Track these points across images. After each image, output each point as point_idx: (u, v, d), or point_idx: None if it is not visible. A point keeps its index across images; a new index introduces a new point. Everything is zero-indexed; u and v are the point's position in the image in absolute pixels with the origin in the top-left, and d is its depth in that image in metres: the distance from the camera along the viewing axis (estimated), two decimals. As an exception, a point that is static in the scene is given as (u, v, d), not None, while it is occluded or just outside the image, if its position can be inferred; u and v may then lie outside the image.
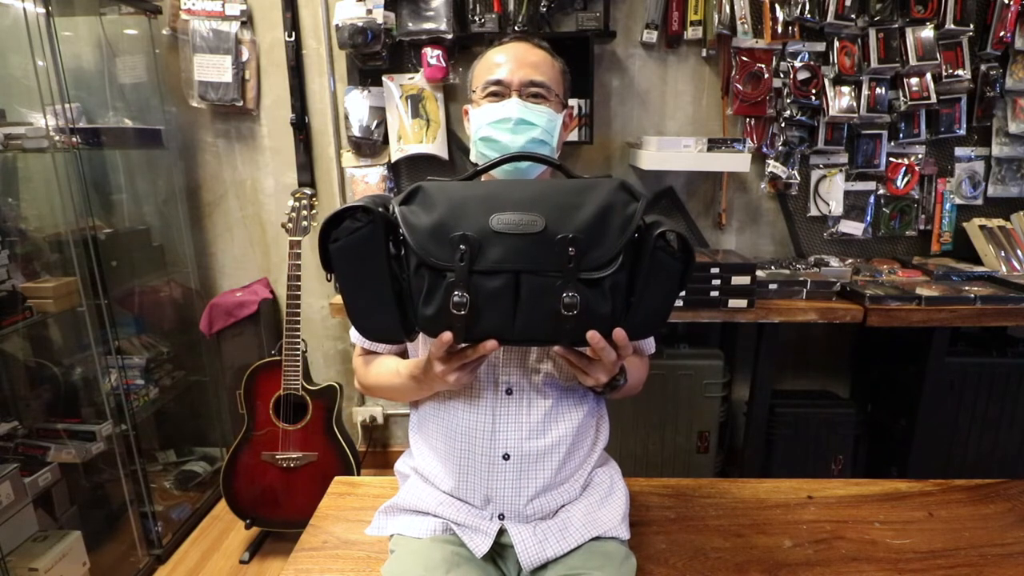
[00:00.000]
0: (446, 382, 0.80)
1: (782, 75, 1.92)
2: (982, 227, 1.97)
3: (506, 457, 0.91)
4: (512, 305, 0.72)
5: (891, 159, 2.00)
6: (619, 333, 0.74)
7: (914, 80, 1.89)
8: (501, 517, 0.93)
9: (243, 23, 1.96)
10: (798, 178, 2.01)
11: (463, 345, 0.77)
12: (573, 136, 1.89)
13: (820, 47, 1.91)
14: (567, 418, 0.93)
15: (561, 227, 0.70)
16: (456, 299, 0.70)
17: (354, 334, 1.00)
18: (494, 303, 0.72)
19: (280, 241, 2.16)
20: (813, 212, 2.06)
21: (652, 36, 1.90)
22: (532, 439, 0.91)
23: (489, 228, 0.71)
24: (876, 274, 1.88)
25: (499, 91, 0.94)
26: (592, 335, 0.73)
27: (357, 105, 1.96)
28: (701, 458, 2.00)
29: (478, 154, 0.98)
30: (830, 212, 2.05)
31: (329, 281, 0.78)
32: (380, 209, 0.73)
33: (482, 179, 0.98)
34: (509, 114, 0.92)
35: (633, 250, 0.73)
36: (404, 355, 1.02)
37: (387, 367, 0.97)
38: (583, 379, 0.83)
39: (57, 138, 1.57)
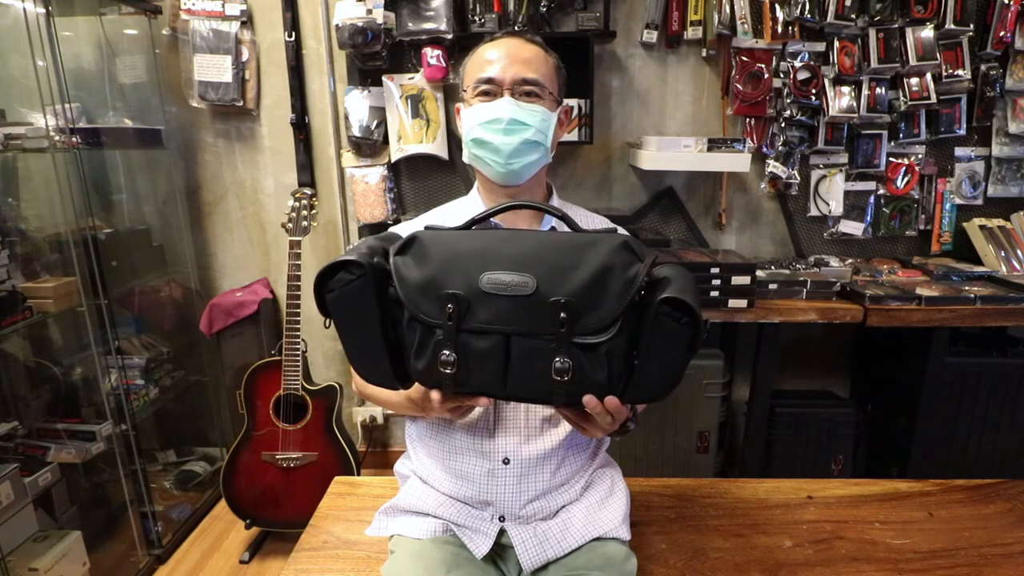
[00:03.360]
0: (442, 415, 0.83)
1: (782, 75, 1.92)
2: (982, 227, 1.97)
3: (506, 462, 0.91)
4: (503, 365, 0.71)
5: (891, 159, 2.00)
6: (611, 402, 0.71)
7: (914, 80, 1.89)
8: (501, 519, 0.93)
9: (243, 23, 1.95)
10: (798, 178, 2.01)
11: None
12: (573, 136, 1.89)
13: (820, 47, 1.91)
14: (566, 424, 0.93)
15: (553, 290, 0.68)
16: (444, 357, 0.70)
17: None
18: (484, 362, 0.71)
19: (280, 241, 2.16)
20: (813, 212, 2.06)
21: (652, 36, 1.90)
22: (532, 443, 0.91)
23: (478, 288, 0.69)
24: (876, 274, 1.88)
25: (491, 90, 0.91)
26: (588, 400, 0.70)
27: (357, 105, 1.96)
28: (701, 458, 2.00)
29: (470, 155, 0.96)
30: (830, 212, 2.05)
31: (327, 328, 0.79)
32: (375, 259, 0.73)
33: (484, 200, 1.02)
34: (501, 114, 0.89)
35: (635, 313, 0.69)
36: None
37: None
38: (582, 433, 0.81)
39: (57, 138, 1.57)
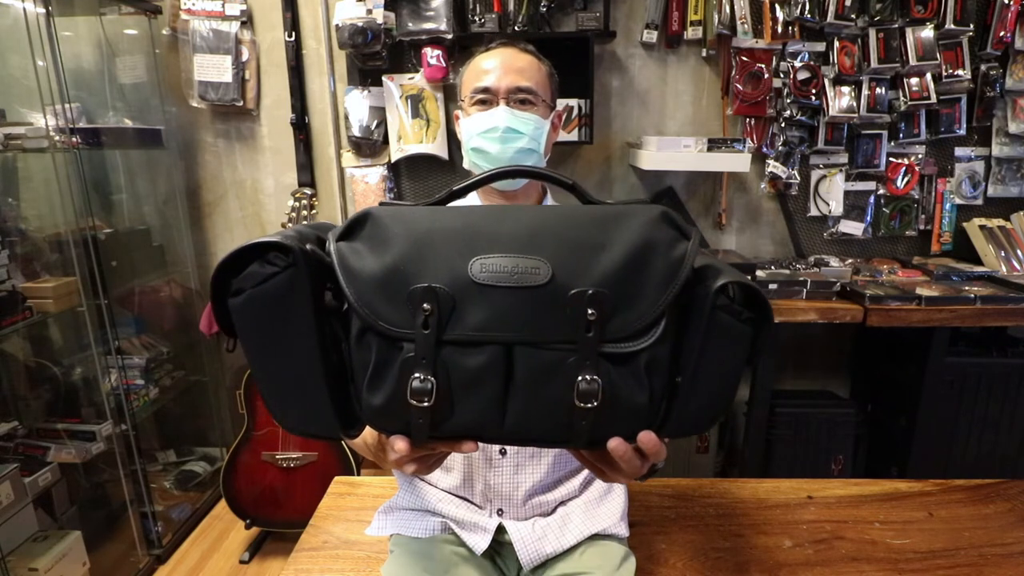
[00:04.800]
0: (404, 471, 0.62)
1: (782, 75, 1.92)
2: (982, 227, 1.97)
3: (503, 452, 0.91)
4: (501, 392, 0.50)
5: (891, 159, 2.00)
6: (648, 440, 0.52)
7: (914, 80, 1.89)
8: (500, 513, 0.93)
9: (243, 23, 1.95)
10: (798, 178, 2.01)
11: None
12: (573, 136, 1.89)
13: (820, 47, 1.91)
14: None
15: (576, 277, 0.49)
16: (416, 384, 0.49)
17: None
18: (473, 389, 0.50)
19: (280, 241, 2.16)
20: (813, 212, 2.06)
21: (652, 36, 1.90)
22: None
23: (468, 278, 0.49)
24: (876, 274, 1.88)
25: (487, 98, 0.95)
26: (614, 447, 0.52)
27: (357, 105, 1.96)
28: (701, 458, 2.01)
29: (471, 163, 1.00)
30: (830, 212, 2.04)
31: (230, 351, 0.58)
32: (308, 246, 0.50)
33: (482, 201, 0.92)
34: (496, 123, 0.93)
35: (679, 308, 0.51)
36: None
37: None
38: (600, 478, 0.63)
39: (57, 138, 1.57)
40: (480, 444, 0.54)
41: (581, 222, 0.52)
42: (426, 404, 0.49)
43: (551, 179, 0.61)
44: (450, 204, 0.60)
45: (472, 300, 0.49)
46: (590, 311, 0.48)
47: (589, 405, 0.49)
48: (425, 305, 0.48)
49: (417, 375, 0.49)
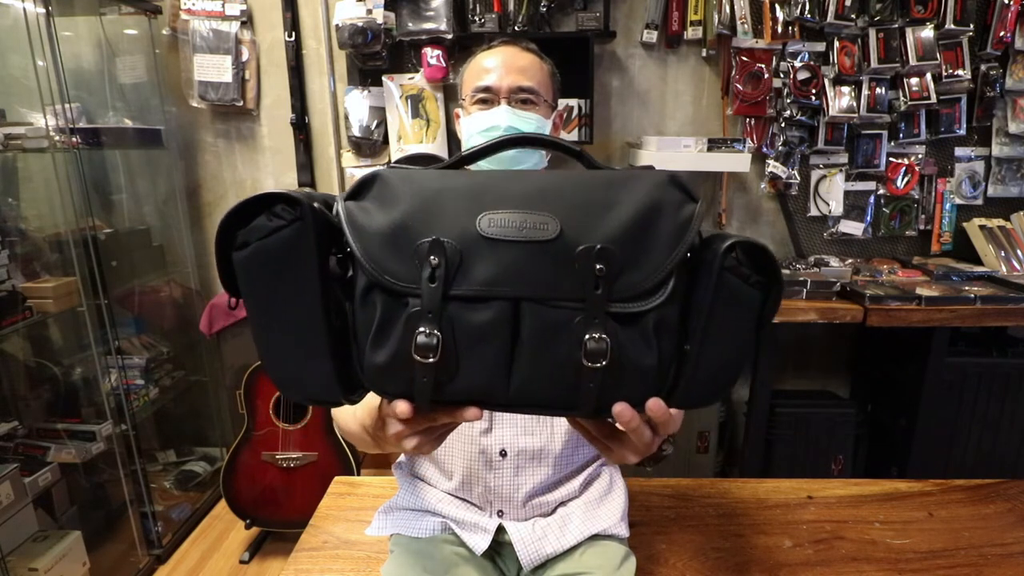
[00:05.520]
0: (401, 448, 0.58)
1: (782, 75, 1.92)
2: (982, 227, 1.97)
3: (503, 454, 0.91)
4: (507, 351, 0.49)
5: (891, 159, 2.00)
6: (656, 406, 0.50)
7: (914, 80, 1.89)
8: (500, 514, 0.93)
9: (243, 23, 1.96)
10: (798, 178, 2.01)
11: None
12: (573, 136, 1.89)
13: (820, 47, 1.91)
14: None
15: (584, 233, 0.48)
16: (422, 339, 0.47)
17: None
18: (480, 346, 0.49)
19: (280, 241, 2.16)
20: (813, 212, 2.06)
21: (652, 36, 1.90)
22: (529, 436, 0.91)
23: (476, 232, 0.48)
24: (876, 274, 1.88)
25: (488, 97, 0.95)
26: (620, 410, 0.50)
27: (357, 105, 1.96)
28: (701, 458, 2.01)
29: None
30: (830, 212, 2.04)
31: (233, 308, 0.54)
32: (315, 204, 0.49)
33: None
34: (498, 122, 0.92)
35: (687, 273, 0.51)
36: None
37: (348, 407, 0.72)
38: (607, 456, 0.60)
39: (57, 138, 1.57)
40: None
41: (589, 184, 0.52)
42: (431, 360, 0.48)
43: (560, 147, 0.60)
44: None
45: (479, 254, 0.48)
46: (598, 266, 0.47)
47: (597, 365, 0.47)
48: (432, 258, 0.48)
49: (423, 329, 0.48)
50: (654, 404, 0.50)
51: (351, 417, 0.73)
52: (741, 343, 0.52)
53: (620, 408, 0.50)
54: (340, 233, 0.50)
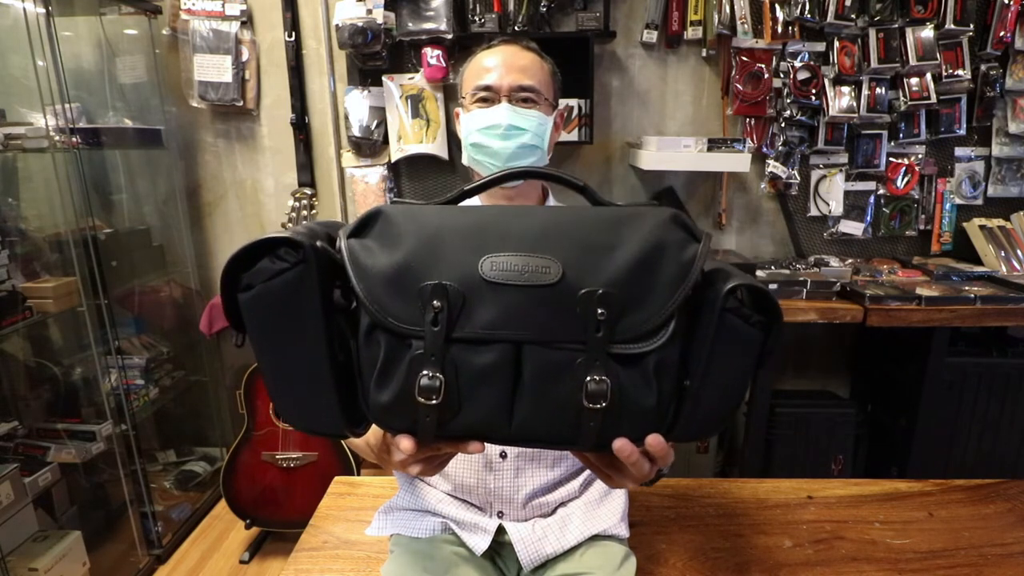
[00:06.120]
0: (406, 472, 0.61)
1: (782, 75, 1.92)
2: (982, 227, 1.97)
3: (503, 456, 0.91)
4: (509, 392, 0.50)
5: (891, 159, 2.00)
6: (656, 443, 0.52)
7: (914, 80, 1.89)
8: (500, 515, 0.93)
9: (243, 23, 1.95)
10: (798, 178, 2.00)
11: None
12: (573, 136, 1.89)
13: (820, 47, 1.91)
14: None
15: (586, 276, 0.49)
16: (425, 382, 0.49)
17: None
18: (482, 388, 0.50)
19: (280, 241, 2.16)
20: (813, 212, 2.06)
21: (652, 36, 1.90)
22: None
23: (478, 276, 0.49)
24: (876, 274, 1.88)
25: (488, 96, 0.94)
26: (620, 446, 0.51)
27: (357, 105, 1.96)
28: (701, 458, 2.01)
29: (470, 159, 0.99)
30: (830, 212, 2.04)
31: (239, 346, 0.54)
32: (318, 243, 0.51)
33: (482, 201, 0.90)
34: (499, 120, 0.92)
35: (689, 311, 0.51)
36: None
37: None
38: (606, 483, 0.63)
39: (57, 138, 1.57)
40: (485, 445, 0.54)
41: (592, 223, 0.52)
42: (434, 402, 0.49)
43: (563, 181, 0.60)
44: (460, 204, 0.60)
45: (482, 298, 0.49)
46: (600, 311, 0.48)
47: (597, 406, 0.49)
48: (435, 302, 0.49)
49: (426, 372, 0.49)
50: (654, 440, 0.52)
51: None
52: (740, 380, 0.53)
53: (620, 444, 0.51)
54: (343, 268, 0.52)
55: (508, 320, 0.49)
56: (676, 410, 0.52)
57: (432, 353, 0.49)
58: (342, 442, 1.82)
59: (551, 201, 1.02)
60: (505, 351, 0.49)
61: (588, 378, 0.49)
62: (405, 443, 0.52)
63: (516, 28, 1.85)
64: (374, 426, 0.64)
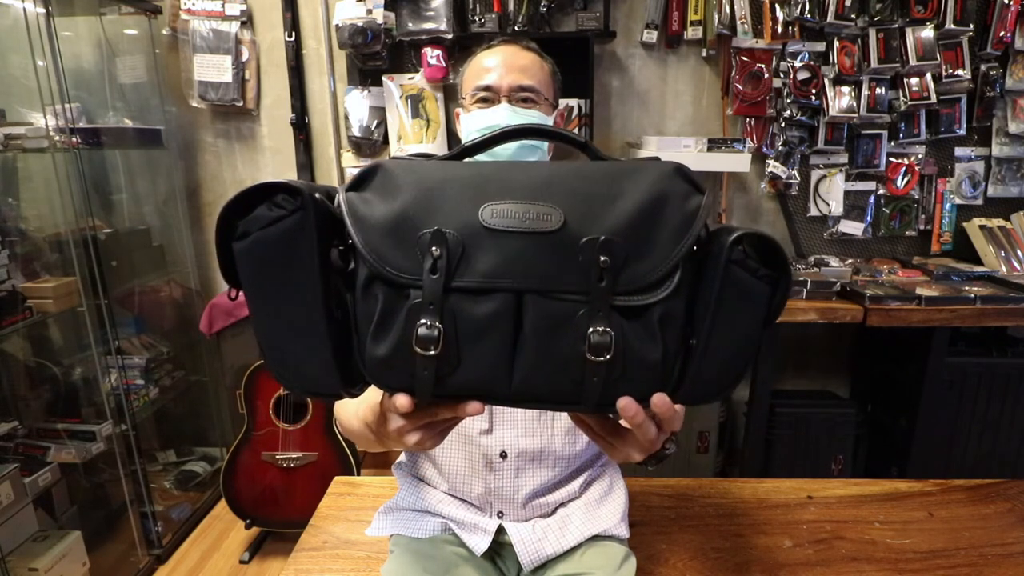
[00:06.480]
0: (403, 443, 0.58)
1: (782, 75, 1.92)
2: (982, 227, 1.97)
3: (503, 455, 0.91)
4: (510, 344, 0.48)
5: (891, 159, 2.00)
6: (661, 401, 0.50)
7: (914, 80, 1.89)
8: (500, 515, 0.93)
9: (243, 23, 1.96)
10: (798, 178, 2.01)
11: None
12: (573, 136, 1.89)
13: (820, 47, 1.91)
14: (564, 416, 0.92)
15: (588, 225, 0.48)
16: (423, 331, 0.47)
17: None
18: (482, 339, 0.48)
19: (280, 241, 2.16)
20: (813, 212, 2.06)
21: (652, 36, 1.90)
22: (529, 437, 0.91)
23: (478, 223, 0.48)
24: (876, 274, 1.88)
25: (488, 96, 0.94)
26: (624, 405, 0.49)
27: (357, 105, 1.96)
28: (701, 458, 2.01)
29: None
30: (830, 212, 2.05)
31: (233, 299, 0.52)
32: (316, 195, 0.49)
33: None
34: (498, 120, 0.92)
35: (694, 266, 0.50)
36: None
37: (350, 404, 0.74)
38: (610, 453, 0.60)
39: (57, 138, 1.57)
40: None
41: (594, 174, 0.51)
42: (432, 353, 0.47)
43: (564, 138, 0.59)
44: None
45: (482, 245, 0.47)
46: (602, 258, 0.47)
47: (601, 359, 0.47)
48: (434, 249, 0.47)
49: (424, 321, 0.47)
50: (659, 399, 0.49)
51: (352, 414, 0.73)
52: (748, 338, 0.51)
53: (624, 403, 0.49)
54: (342, 225, 0.50)
55: (508, 268, 0.47)
56: (682, 369, 0.50)
57: (431, 302, 0.47)
58: (339, 436, 1.82)
59: None
60: (506, 300, 0.48)
61: (591, 329, 0.47)
62: (402, 400, 0.50)
63: (516, 28, 1.85)
64: (368, 401, 0.62)
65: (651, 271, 0.48)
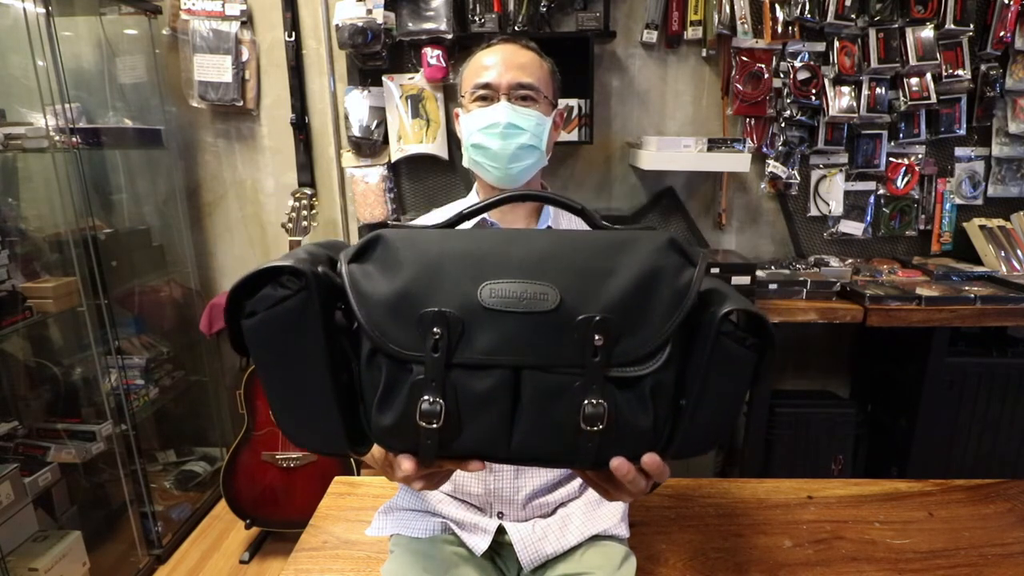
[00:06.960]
0: (410, 485, 0.63)
1: (782, 75, 1.92)
2: (982, 227, 1.97)
3: (504, 457, 0.91)
4: (508, 414, 0.52)
5: (891, 159, 2.00)
6: (652, 462, 0.53)
7: (914, 80, 1.89)
8: (500, 515, 0.93)
9: (243, 23, 1.95)
10: (798, 178, 2.01)
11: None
12: (573, 136, 1.89)
13: (820, 47, 1.91)
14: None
15: (583, 303, 0.50)
16: (426, 407, 0.50)
17: None
18: (482, 411, 0.51)
19: (280, 241, 2.16)
20: (813, 212, 2.06)
21: (652, 36, 1.90)
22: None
23: (478, 303, 0.50)
24: (876, 274, 1.88)
25: (488, 95, 0.94)
26: (617, 465, 0.53)
27: (357, 105, 1.96)
28: (701, 458, 2.00)
29: (470, 160, 0.98)
30: (830, 212, 2.04)
31: (243, 369, 0.61)
32: (319, 269, 0.52)
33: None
34: (498, 119, 0.92)
35: (685, 332, 0.53)
36: None
37: None
38: (605, 497, 0.65)
39: (57, 138, 1.57)
40: (485, 463, 0.56)
41: (589, 249, 0.53)
42: (435, 426, 0.51)
43: (561, 204, 0.62)
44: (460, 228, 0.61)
45: (481, 324, 0.50)
46: (596, 337, 0.50)
47: (595, 428, 0.50)
48: (435, 329, 0.50)
49: (426, 398, 0.51)
50: (650, 459, 0.53)
51: None
52: (735, 400, 0.55)
53: (617, 463, 0.53)
54: (345, 292, 0.53)
55: (507, 346, 0.50)
56: (672, 429, 0.54)
57: (432, 379, 0.51)
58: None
59: (547, 213, 1.00)
60: (504, 376, 0.51)
61: (585, 401, 0.50)
62: (406, 464, 0.55)
63: (516, 28, 1.85)
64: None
65: (643, 345, 0.51)
